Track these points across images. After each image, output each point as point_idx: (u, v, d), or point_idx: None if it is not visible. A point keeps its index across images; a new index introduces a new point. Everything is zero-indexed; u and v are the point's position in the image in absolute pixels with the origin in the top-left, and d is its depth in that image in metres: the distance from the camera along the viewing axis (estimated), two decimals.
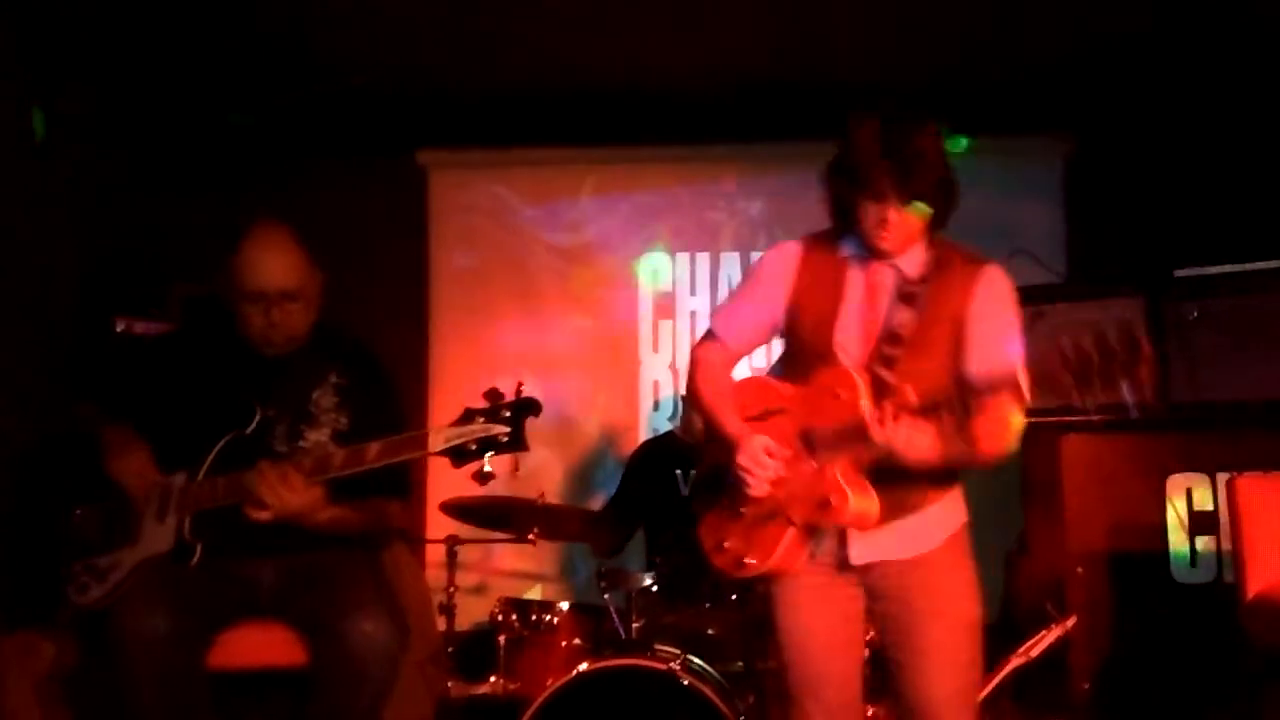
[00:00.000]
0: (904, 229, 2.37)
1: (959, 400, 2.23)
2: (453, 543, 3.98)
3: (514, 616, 3.65)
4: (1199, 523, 3.79)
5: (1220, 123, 4.73)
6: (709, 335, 2.65)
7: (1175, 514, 3.80)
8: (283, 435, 2.81)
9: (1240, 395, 3.71)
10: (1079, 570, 3.71)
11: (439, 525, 4.18)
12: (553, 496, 4.30)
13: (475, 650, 3.87)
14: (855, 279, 2.47)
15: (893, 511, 2.39)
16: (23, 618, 2.90)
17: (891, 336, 2.39)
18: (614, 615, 3.61)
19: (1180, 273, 3.85)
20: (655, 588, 3.56)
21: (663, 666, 3.21)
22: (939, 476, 2.43)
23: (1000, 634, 3.66)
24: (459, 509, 3.94)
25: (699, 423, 2.87)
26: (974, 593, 2.48)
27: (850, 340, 2.43)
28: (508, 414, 2.44)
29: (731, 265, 5.33)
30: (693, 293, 5.39)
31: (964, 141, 3.86)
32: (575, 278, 5.41)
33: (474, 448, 2.44)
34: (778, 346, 2.65)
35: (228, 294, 2.79)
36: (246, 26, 4.30)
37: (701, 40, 4.46)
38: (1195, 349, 3.75)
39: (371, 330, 3.22)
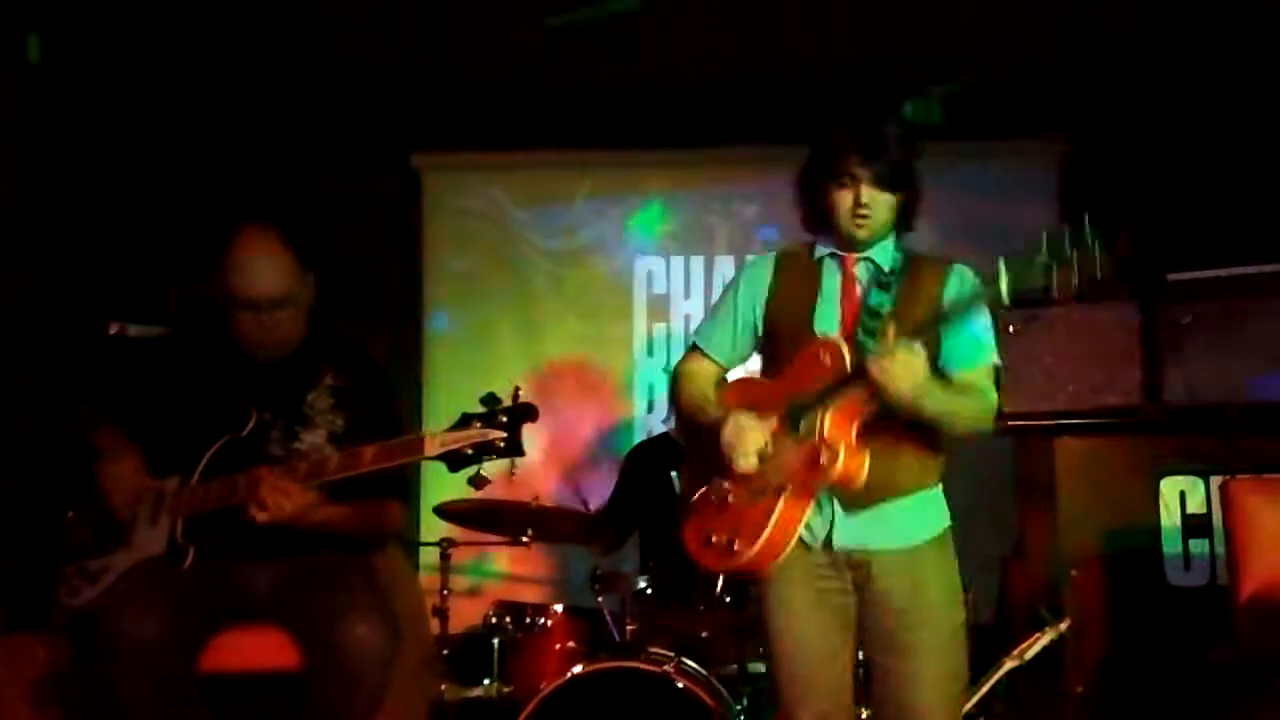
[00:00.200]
0: (879, 212, 2.42)
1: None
2: (447, 545, 3.98)
3: (508, 619, 3.65)
4: (1192, 525, 3.80)
5: (1215, 126, 4.73)
6: (692, 349, 2.67)
7: (1169, 517, 3.81)
8: (278, 438, 2.81)
9: (1233, 398, 3.71)
10: (1073, 573, 3.70)
11: (433, 528, 4.17)
12: (547, 499, 4.30)
13: (469, 653, 3.86)
14: (831, 273, 2.52)
15: (879, 489, 2.38)
16: (15, 621, 2.89)
17: (871, 313, 2.44)
18: (608, 618, 3.61)
19: (1173, 276, 3.86)
20: (649, 591, 3.55)
21: (657, 669, 3.21)
22: (924, 460, 2.46)
23: (994, 636, 3.68)
24: (453, 512, 3.94)
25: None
26: (958, 600, 2.50)
27: (830, 325, 2.47)
28: (505, 419, 2.44)
29: (726, 269, 5.31)
30: (687, 296, 5.38)
31: (938, 111, 3.84)
32: (570, 281, 5.41)
33: (470, 453, 2.44)
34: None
35: (220, 298, 2.78)
36: (244, 27, 4.30)
37: (696, 44, 4.47)
38: (1188, 352, 3.75)
39: (366, 333, 3.21)
